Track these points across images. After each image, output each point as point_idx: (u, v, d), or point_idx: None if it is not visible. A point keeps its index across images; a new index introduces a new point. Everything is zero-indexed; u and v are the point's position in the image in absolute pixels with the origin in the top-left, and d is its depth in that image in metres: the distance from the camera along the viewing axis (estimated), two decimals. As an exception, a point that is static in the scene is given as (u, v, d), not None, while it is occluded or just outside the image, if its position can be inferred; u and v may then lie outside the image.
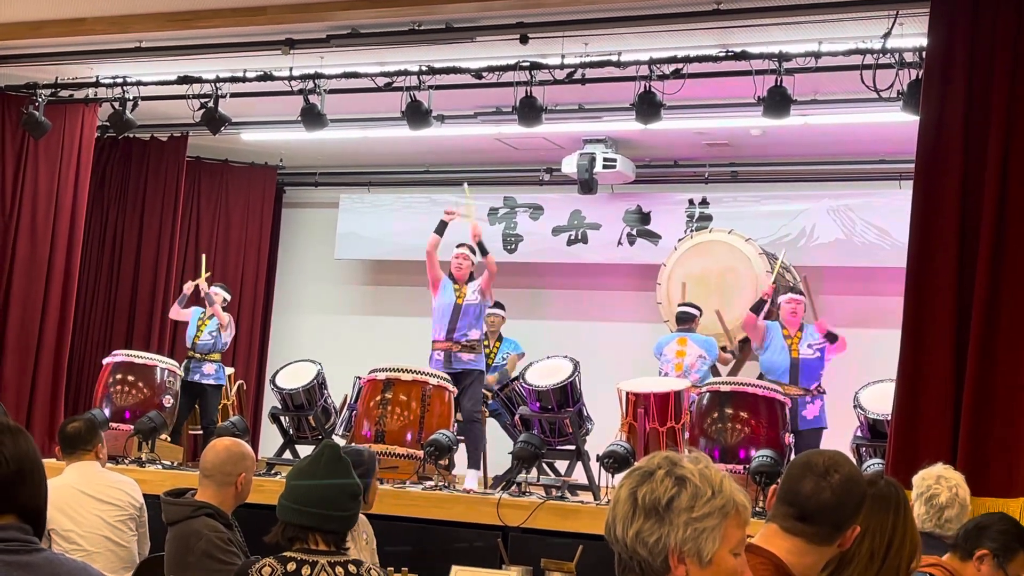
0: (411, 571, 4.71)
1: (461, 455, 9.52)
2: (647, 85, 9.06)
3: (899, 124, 8.91)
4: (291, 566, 3.42)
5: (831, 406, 9.22)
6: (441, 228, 9.72)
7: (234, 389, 11.32)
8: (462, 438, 9.26)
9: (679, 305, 10.30)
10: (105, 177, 12.70)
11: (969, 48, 7.02)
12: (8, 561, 2.41)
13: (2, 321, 11.06)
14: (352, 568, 3.46)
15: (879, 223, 11.08)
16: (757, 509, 7.23)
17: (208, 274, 11.01)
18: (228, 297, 11.06)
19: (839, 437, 8.67)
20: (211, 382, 10.58)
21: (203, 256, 11.44)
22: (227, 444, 4.71)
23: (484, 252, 9.64)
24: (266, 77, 10.02)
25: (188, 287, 10.89)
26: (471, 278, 9.63)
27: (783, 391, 8.51)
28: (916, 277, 7.02)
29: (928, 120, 7.12)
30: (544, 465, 9.25)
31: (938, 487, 4.44)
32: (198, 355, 10.56)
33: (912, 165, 7.29)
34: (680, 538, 2.22)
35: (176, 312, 10.99)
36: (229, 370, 11.35)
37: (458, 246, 9.73)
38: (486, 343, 10.27)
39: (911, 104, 8.06)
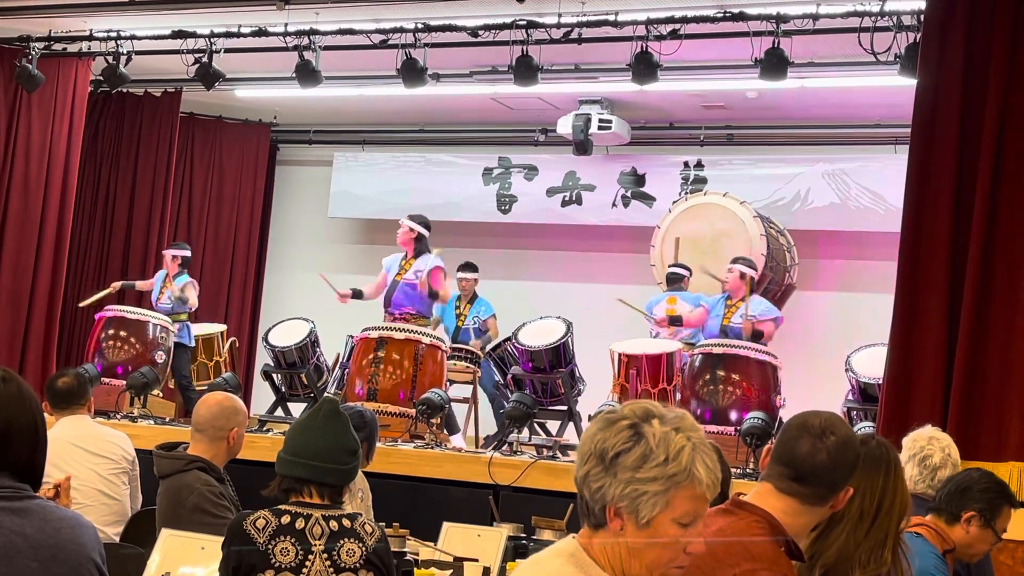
0: (402, 527, 4.72)
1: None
2: (644, 46, 9.02)
3: (896, 88, 8.88)
4: (285, 519, 3.44)
5: (822, 368, 9.23)
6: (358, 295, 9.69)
7: (226, 346, 11.30)
8: (456, 399, 9.33)
9: (669, 266, 10.30)
10: (98, 132, 12.65)
11: (968, 11, 6.98)
12: (1, 507, 2.42)
13: (-6, 274, 11.05)
14: (346, 522, 3.48)
15: (874, 187, 11.06)
16: (748, 470, 7.29)
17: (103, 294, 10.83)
18: (182, 254, 10.72)
19: (830, 401, 8.68)
20: (176, 341, 10.33)
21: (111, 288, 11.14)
22: (219, 399, 4.71)
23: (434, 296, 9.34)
24: (261, 33, 9.96)
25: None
26: (417, 254, 9.26)
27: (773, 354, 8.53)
28: (910, 242, 7.02)
29: (925, 84, 7.09)
30: (536, 425, 9.29)
31: (930, 448, 4.44)
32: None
33: (908, 129, 7.28)
34: (617, 493, 2.20)
35: (145, 286, 10.89)
36: (220, 327, 11.31)
37: (408, 217, 9.50)
38: (457, 304, 10.26)
39: (908, 68, 8.04)
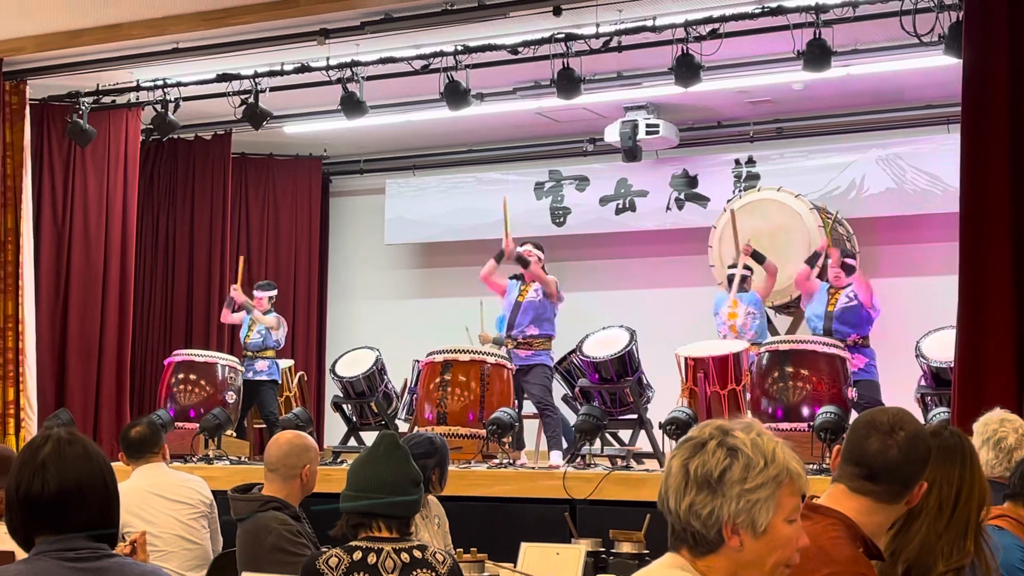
0: (480, 551, 4.72)
1: (528, 436, 9.58)
2: (684, 48, 8.98)
3: (943, 68, 8.79)
4: (357, 555, 3.45)
5: (892, 356, 9.12)
6: (500, 256, 9.67)
7: (295, 380, 11.39)
8: (527, 415, 9.34)
9: (729, 267, 10.21)
10: (153, 180, 12.80)
11: (1009, -15, 6.91)
12: (81, 568, 2.45)
13: (63, 329, 11.20)
14: (417, 553, 3.49)
15: (929, 169, 10.92)
16: (824, 466, 7.21)
17: (240, 281, 10.92)
18: (273, 295, 10.92)
19: (901, 388, 8.60)
20: (264, 378, 10.55)
21: (240, 259, 11.37)
22: (289, 437, 4.75)
23: (524, 265, 9.54)
24: (304, 69, 10.04)
25: (233, 291, 10.91)
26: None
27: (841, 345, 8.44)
28: (969, 220, 6.94)
29: (971, 61, 7.02)
30: (607, 436, 9.26)
31: (1003, 430, 4.37)
32: (250, 353, 10.60)
33: (959, 108, 7.19)
34: (733, 510, 2.22)
35: (226, 316, 11.00)
36: (287, 363, 11.40)
37: (522, 244, 9.68)
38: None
39: (953, 47, 7.94)
